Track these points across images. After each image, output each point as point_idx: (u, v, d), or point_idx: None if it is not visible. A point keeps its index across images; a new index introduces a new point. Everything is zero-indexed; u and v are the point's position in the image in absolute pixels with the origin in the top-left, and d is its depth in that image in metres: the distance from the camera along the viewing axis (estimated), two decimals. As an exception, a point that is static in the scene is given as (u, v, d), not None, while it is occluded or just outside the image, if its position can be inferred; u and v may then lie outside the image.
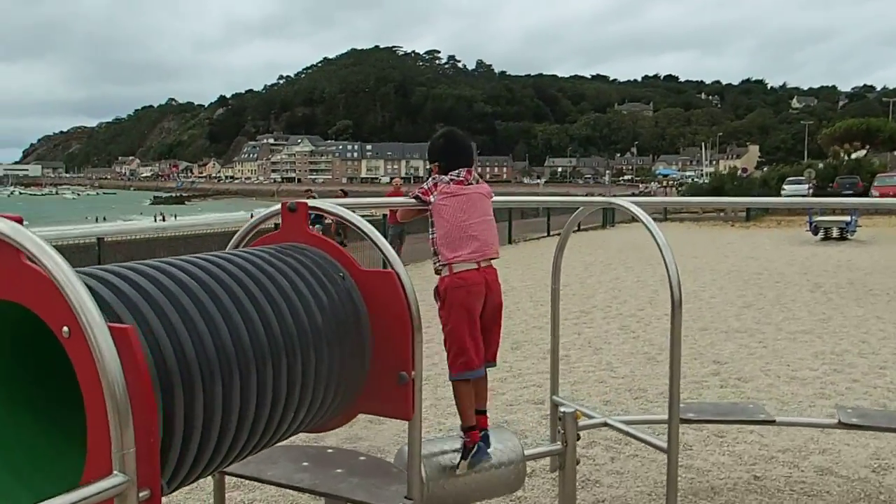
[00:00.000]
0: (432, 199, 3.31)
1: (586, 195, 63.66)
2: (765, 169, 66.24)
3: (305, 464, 3.29)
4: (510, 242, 20.92)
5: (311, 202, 3.10)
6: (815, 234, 21.51)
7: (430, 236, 3.34)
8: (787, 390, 6.39)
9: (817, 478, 4.55)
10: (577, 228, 26.50)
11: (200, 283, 1.98)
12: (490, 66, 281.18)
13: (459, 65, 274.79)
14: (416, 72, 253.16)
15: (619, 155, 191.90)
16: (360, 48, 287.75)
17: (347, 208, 3.15)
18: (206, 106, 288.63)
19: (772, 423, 4.23)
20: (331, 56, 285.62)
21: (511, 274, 14.42)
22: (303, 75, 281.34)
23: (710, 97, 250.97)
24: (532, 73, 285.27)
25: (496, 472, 3.51)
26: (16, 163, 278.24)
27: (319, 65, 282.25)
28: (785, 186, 41.32)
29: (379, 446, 5.21)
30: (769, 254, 18.23)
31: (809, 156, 77.48)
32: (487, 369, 3.36)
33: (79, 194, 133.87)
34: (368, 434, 5.48)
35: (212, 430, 1.91)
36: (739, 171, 49.21)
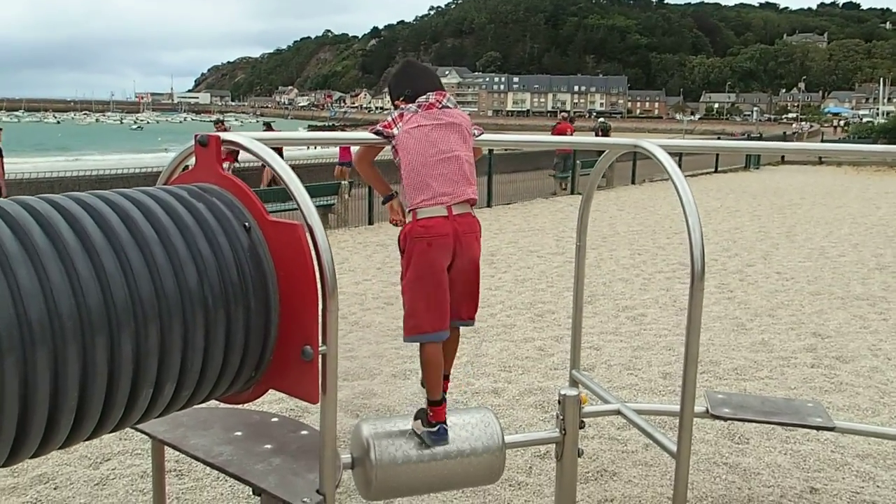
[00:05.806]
0: (396, 132, 2.71)
1: (743, 133, 59.41)
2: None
3: (238, 433, 3.01)
4: (633, 183, 19.62)
5: (224, 135, 2.62)
6: None
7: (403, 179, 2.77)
8: (894, 377, 5.33)
9: (894, 496, 3.65)
10: (714, 170, 24.35)
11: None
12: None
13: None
14: (567, 0, 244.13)
15: (784, 91, 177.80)
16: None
17: (270, 145, 2.64)
18: (360, 37, 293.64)
19: (829, 429, 3.37)
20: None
21: (621, 217, 13.43)
22: (453, 6, 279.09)
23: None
24: (692, 1, 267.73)
25: (465, 460, 2.97)
26: (188, 91, 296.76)
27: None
28: None
29: (390, 405, 4.76)
30: (932, 206, 16.01)
31: None
32: (465, 327, 2.87)
33: (242, 122, 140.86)
34: (385, 390, 5.03)
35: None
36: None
